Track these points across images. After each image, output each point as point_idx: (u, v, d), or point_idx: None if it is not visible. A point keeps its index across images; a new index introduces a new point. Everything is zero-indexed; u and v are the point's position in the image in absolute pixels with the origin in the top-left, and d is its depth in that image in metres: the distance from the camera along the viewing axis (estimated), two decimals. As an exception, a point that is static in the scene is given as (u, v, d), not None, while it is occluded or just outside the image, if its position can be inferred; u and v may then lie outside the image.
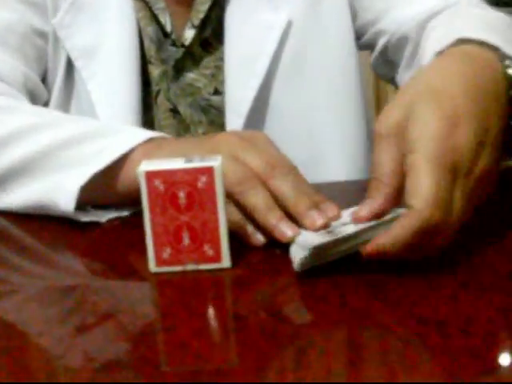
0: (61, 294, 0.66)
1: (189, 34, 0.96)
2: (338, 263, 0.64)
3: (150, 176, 0.65)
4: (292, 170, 0.70)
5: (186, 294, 0.64)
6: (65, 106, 0.98)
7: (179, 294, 0.64)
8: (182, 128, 0.98)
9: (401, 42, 0.98)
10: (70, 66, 0.98)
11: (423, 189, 0.60)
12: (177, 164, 0.65)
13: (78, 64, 0.96)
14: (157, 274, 0.66)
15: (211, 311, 0.61)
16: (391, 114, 0.64)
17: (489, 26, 0.81)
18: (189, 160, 0.66)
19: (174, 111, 0.98)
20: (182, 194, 0.65)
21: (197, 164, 0.65)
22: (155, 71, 0.97)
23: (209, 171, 0.65)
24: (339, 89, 1.00)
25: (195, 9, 0.95)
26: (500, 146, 0.65)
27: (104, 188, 0.77)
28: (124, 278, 0.68)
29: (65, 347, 0.56)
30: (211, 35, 0.98)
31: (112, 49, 0.95)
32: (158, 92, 0.97)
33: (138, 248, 0.69)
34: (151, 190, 0.65)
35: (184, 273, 0.66)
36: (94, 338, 0.57)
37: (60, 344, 0.57)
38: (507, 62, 0.70)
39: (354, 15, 1.02)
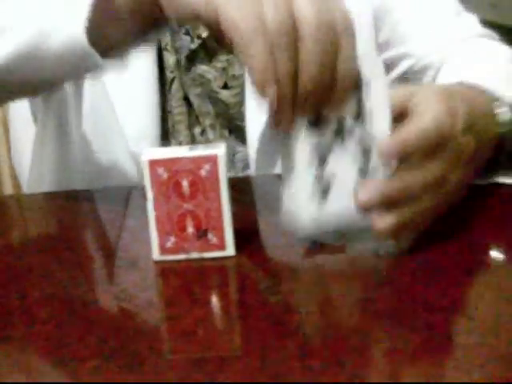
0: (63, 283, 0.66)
1: None
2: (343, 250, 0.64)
3: (154, 164, 0.64)
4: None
5: (190, 282, 0.64)
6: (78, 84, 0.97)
7: (183, 282, 0.64)
8: (193, 118, 0.98)
9: (423, 70, 0.98)
10: None
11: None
12: (180, 152, 0.65)
13: None
14: (160, 263, 0.66)
15: (215, 299, 0.61)
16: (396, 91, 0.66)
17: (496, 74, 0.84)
18: (193, 148, 0.66)
19: (187, 100, 0.97)
20: (185, 183, 0.65)
21: (200, 152, 0.65)
22: (170, 58, 0.96)
23: (212, 159, 0.64)
24: None
25: None
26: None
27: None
28: (128, 267, 0.67)
29: (70, 335, 0.56)
30: None
31: None
32: (173, 79, 0.97)
33: (141, 236, 0.69)
34: (155, 178, 0.64)
35: (188, 261, 0.66)
36: (98, 327, 0.57)
37: (66, 332, 0.57)
38: (497, 103, 0.74)
39: (378, 28, 1.00)
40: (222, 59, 0.96)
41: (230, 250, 0.66)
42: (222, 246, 0.66)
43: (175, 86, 0.96)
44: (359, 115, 0.62)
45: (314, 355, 0.52)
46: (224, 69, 0.96)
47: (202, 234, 0.66)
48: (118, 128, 0.91)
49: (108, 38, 0.71)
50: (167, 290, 0.65)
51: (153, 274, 0.66)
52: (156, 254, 0.66)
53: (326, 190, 0.62)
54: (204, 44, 0.95)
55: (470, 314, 0.57)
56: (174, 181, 0.64)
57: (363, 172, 0.62)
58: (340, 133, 0.62)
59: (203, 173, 0.64)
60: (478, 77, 0.78)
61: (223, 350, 0.54)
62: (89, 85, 0.93)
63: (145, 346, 0.54)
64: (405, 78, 1.01)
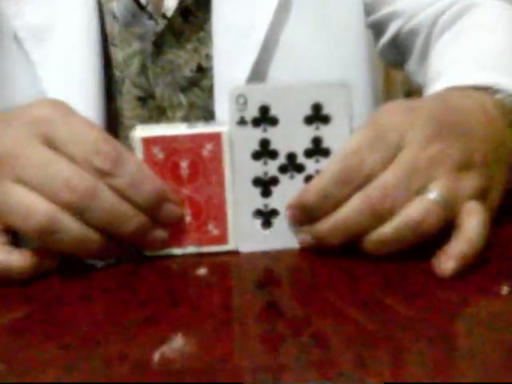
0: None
1: (170, 3, 0.84)
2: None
3: (148, 143, 0.56)
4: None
5: (175, 280, 0.55)
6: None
7: (165, 280, 0.55)
8: (155, 115, 0.87)
9: (413, 32, 0.87)
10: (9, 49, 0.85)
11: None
12: (178, 129, 0.57)
13: (27, 46, 0.83)
14: (150, 258, 0.58)
15: (202, 301, 0.52)
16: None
17: (489, 58, 0.74)
18: (192, 125, 0.57)
19: (144, 99, 0.87)
20: (184, 164, 0.56)
21: (202, 129, 0.56)
22: (119, 55, 0.85)
23: (216, 138, 0.56)
24: (346, 64, 0.89)
25: None
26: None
27: None
28: (115, 262, 0.58)
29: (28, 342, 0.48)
30: (193, 2, 0.85)
31: (68, 29, 0.83)
32: (123, 79, 0.87)
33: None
34: (148, 158, 0.56)
35: (181, 256, 0.58)
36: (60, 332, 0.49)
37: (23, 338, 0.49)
38: (498, 96, 0.64)
39: None
40: (191, 38, 0.85)
41: (233, 244, 0.58)
42: (223, 239, 0.58)
43: (126, 86, 0.85)
44: (313, 152, 0.57)
45: (311, 366, 0.43)
46: (195, 49, 0.85)
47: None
48: None
49: None
50: (149, 289, 0.55)
51: (141, 271, 0.57)
52: (147, 248, 0.58)
53: (269, 221, 0.58)
54: (170, 25, 0.85)
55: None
56: (171, 162, 0.56)
57: None
58: (289, 168, 0.57)
59: (205, 153, 0.56)
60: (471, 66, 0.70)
61: (207, 359, 0.44)
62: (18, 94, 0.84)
63: (117, 353, 0.45)
64: (396, 45, 0.91)
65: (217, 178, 0.57)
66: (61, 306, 0.52)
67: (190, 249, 0.58)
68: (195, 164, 0.56)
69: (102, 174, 0.53)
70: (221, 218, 0.57)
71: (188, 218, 0.57)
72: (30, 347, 0.46)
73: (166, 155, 0.56)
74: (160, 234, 0.56)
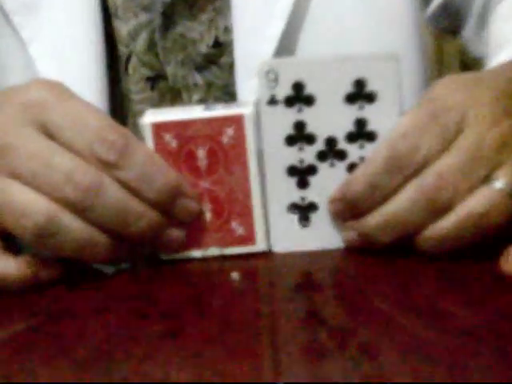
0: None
1: None
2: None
3: (159, 129, 0.50)
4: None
5: (199, 287, 0.50)
6: None
7: (188, 288, 0.50)
8: (167, 99, 0.80)
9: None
10: None
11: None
12: (194, 112, 0.51)
13: (15, 20, 0.75)
14: (169, 262, 0.52)
15: (232, 310, 0.47)
16: None
17: None
18: (210, 107, 0.52)
19: (154, 79, 0.79)
20: (201, 153, 0.51)
21: (221, 112, 0.51)
22: (123, 28, 0.77)
23: (237, 121, 0.50)
24: (392, 33, 0.81)
25: None
26: None
27: None
28: (128, 268, 0.53)
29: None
30: None
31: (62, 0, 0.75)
32: (129, 56, 0.79)
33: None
34: (160, 147, 0.50)
35: (204, 260, 0.52)
36: (74, 341, 0.43)
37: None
38: None
39: None
40: (207, 8, 0.76)
41: (262, 244, 0.52)
42: (250, 239, 0.52)
43: (133, 64, 0.77)
44: (356, 136, 0.52)
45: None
46: (211, 21, 0.77)
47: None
48: None
49: None
50: (171, 299, 0.49)
51: (159, 277, 0.51)
52: (162, 251, 0.53)
53: (307, 217, 0.53)
54: None
55: None
56: (186, 151, 0.51)
57: None
58: (328, 155, 0.52)
59: (225, 139, 0.51)
60: None
61: (234, 374, 0.38)
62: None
63: (135, 370, 0.39)
64: (448, 9, 0.85)
65: (240, 169, 0.51)
66: (71, 319, 0.47)
67: (212, 251, 0.52)
68: (214, 152, 0.51)
69: (108, 166, 0.47)
70: (246, 215, 0.52)
71: (208, 216, 0.52)
72: (37, 365, 0.42)
73: (181, 143, 0.51)
74: (176, 233, 0.51)
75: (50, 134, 0.48)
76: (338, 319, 0.45)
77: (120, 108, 0.73)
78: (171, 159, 0.50)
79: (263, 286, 0.51)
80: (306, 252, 0.53)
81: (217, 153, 0.51)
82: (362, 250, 0.51)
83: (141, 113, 0.56)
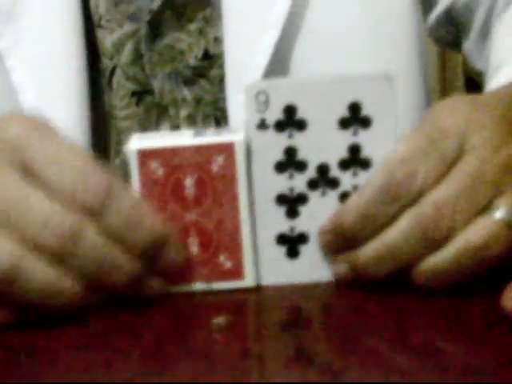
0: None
1: None
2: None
3: (145, 156, 0.48)
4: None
5: (185, 324, 0.48)
6: None
7: (174, 324, 0.48)
8: (153, 115, 0.77)
9: (471, 3, 0.80)
10: None
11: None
12: (182, 139, 0.49)
13: None
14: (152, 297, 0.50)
15: (218, 348, 0.45)
16: None
17: None
18: (199, 133, 0.50)
19: (140, 94, 0.77)
20: (189, 182, 0.49)
21: (210, 139, 0.49)
22: (107, 39, 0.74)
23: (228, 149, 0.49)
24: (391, 46, 0.79)
25: None
26: None
27: None
28: (107, 304, 0.50)
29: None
30: None
31: (43, 7, 0.71)
32: (114, 69, 0.76)
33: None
34: (146, 175, 0.49)
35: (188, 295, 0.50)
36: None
37: None
38: None
39: None
40: (196, 17, 0.73)
41: (251, 280, 0.50)
42: (239, 274, 0.50)
43: (117, 77, 0.74)
44: (349, 163, 0.50)
45: None
46: (201, 31, 0.74)
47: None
48: None
49: None
50: (153, 335, 0.48)
51: (141, 313, 0.49)
52: (146, 285, 0.50)
53: (295, 249, 0.51)
54: (170, 1, 0.73)
55: None
56: (173, 179, 0.49)
57: None
58: (320, 183, 0.51)
59: (215, 168, 0.49)
60: None
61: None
62: None
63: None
64: (449, 20, 0.83)
65: (229, 199, 0.49)
66: (50, 357, 0.44)
67: (199, 285, 0.50)
68: (203, 182, 0.49)
69: (90, 212, 0.45)
70: (234, 248, 0.50)
71: (195, 249, 0.50)
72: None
73: (167, 171, 0.49)
74: (156, 282, 0.49)
75: (30, 174, 0.46)
76: (327, 358, 0.43)
77: (103, 125, 0.71)
78: (157, 188, 0.48)
79: (251, 323, 0.50)
80: (296, 286, 0.51)
81: (205, 182, 0.49)
82: (353, 284, 0.50)
83: (125, 130, 0.54)
